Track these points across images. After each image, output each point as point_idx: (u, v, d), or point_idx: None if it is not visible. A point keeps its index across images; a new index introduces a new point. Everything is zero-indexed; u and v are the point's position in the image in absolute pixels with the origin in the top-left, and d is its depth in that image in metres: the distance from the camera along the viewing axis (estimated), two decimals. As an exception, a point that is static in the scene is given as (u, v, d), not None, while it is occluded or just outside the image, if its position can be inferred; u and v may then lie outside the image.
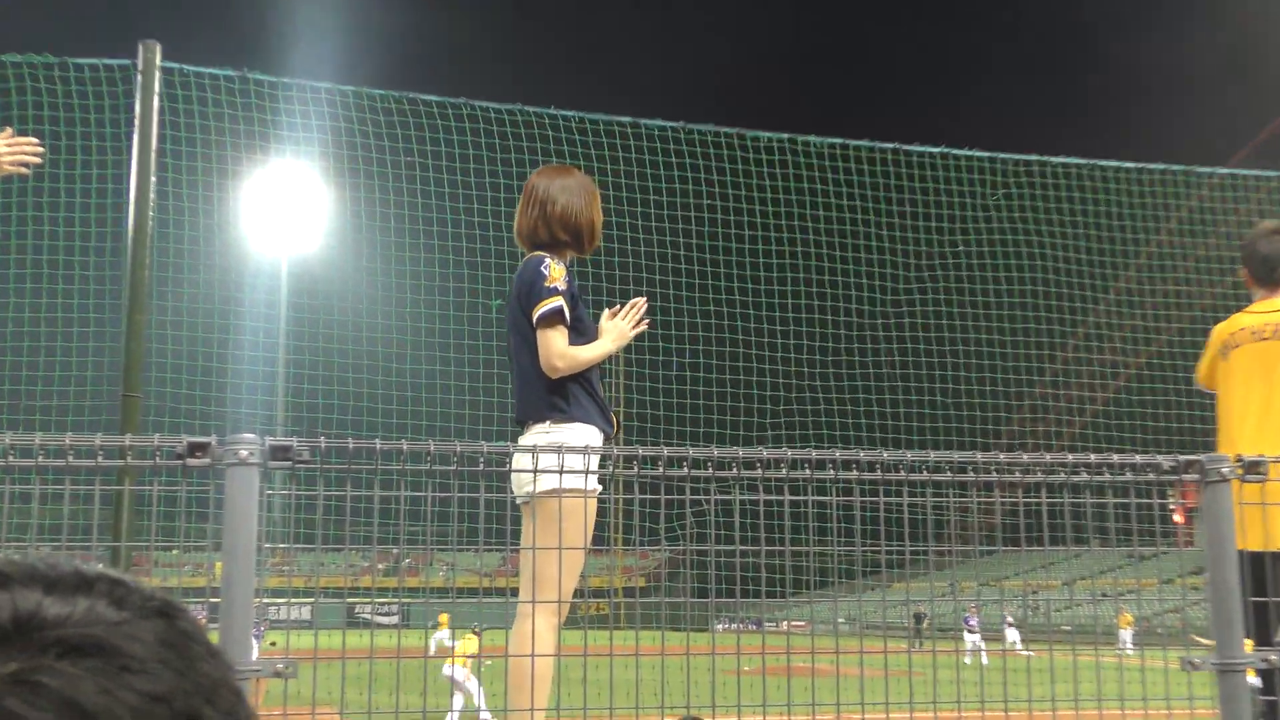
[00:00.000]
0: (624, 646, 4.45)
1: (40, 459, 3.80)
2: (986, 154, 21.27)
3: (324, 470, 3.94)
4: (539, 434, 5.25)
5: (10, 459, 3.82)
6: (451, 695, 16.80)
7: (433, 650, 23.24)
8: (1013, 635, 32.07)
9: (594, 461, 4.84)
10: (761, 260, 22.66)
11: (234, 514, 3.67)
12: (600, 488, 5.12)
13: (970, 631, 33.22)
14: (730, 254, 23.10)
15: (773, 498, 4.40)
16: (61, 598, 0.72)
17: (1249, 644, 4.43)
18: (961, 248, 23.64)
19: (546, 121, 19.40)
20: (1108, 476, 4.53)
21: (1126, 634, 35.13)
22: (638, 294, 5.87)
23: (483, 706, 15.92)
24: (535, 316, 5.32)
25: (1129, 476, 4.54)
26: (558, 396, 5.32)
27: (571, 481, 4.73)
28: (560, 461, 4.43)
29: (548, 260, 5.44)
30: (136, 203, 9.70)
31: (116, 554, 8.17)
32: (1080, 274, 23.77)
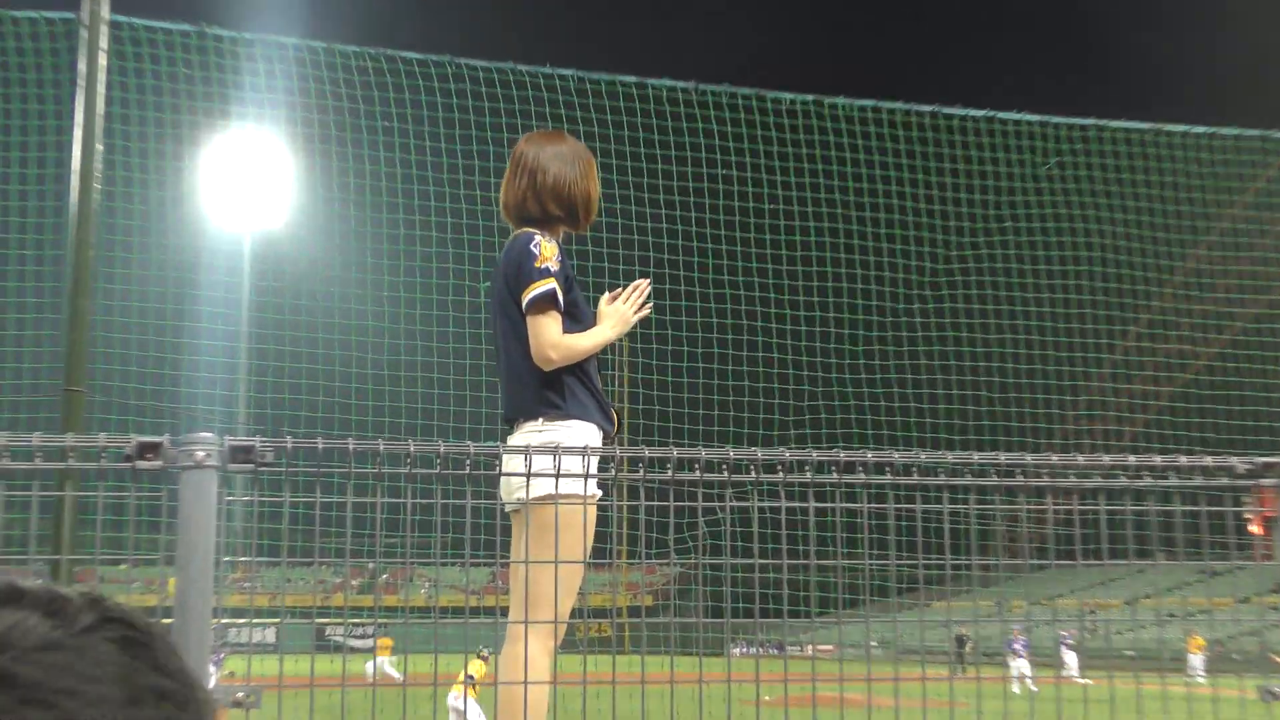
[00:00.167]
0: (628, 673, 4.45)
1: (-30, 461, 3.80)
2: (1037, 118, 21.26)
3: (290, 474, 3.94)
4: (531, 433, 5.25)
5: (-63, 461, 3.82)
6: None
7: (369, 679, 23.08)
8: (1071, 659, 32.06)
9: (593, 464, 4.84)
10: (783, 237, 22.66)
11: (189, 523, 3.67)
12: (601, 493, 5.11)
13: (1017, 656, 33.25)
14: (747, 230, 23.09)
15: (796, 505, 4.39)
16: None
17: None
18: (1009, 223, 23.65)
19: (541, 81, 19.44)
20: (1174, 481, 4.52)
21: (1197, 659, 35.13)
22: (640, 275, 5.86)
23: None
24: (525, 301, 5.31)
25: (1199, 481, 4.53)
26: (551, 391, 5.31)
27: (568, 486, 4.73)
28: (556, 464, 4.43)
29: (538, 238, 5.43)
30: (80, 174, 9.70)
31: (57, 568, 8.19)
32: (1144, 253, 23.74)
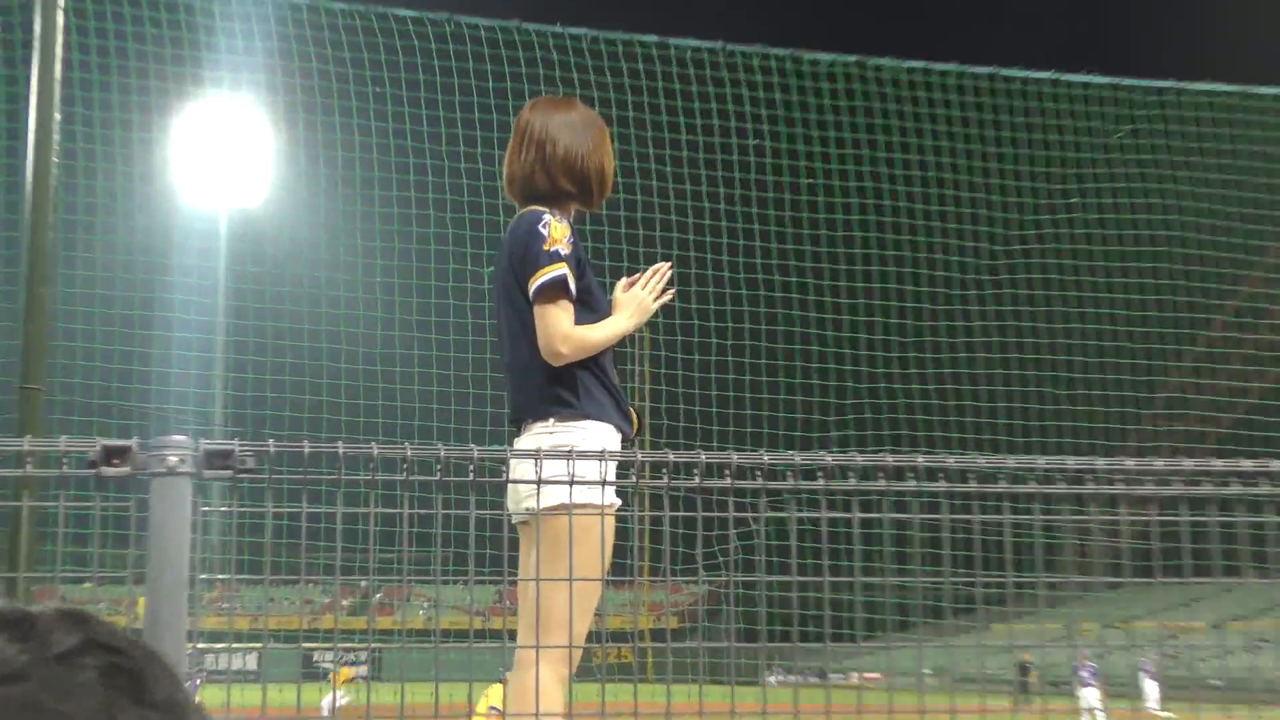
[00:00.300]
0: (651, 704, 4.45)
1: (-83, 468, 3.82)
2: (1108, 80, 21.19)
3: (274, 481, 3.95)
4: (541, 435, 5.26)
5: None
6: None
7: (325, 714, 22.99)
8: (1150, 690, 31.94)
9: (611, 469, 4.84)
10: (821, 216, 22.64)
11: (161, 537, 3.69)
12: (620, 502, 5.12)
13: (1086, 686, 33.21)
14: (781, 208, 23.10)
15: (839, 515, 4.39)
16: None
17: None
18: (1076, 199, 23.59)
19: (551, 42, 19.44)
20: (1266, 489, 4.50)
21: (1291, 689, 35.05)
22: (661, 258, 5.86)
23: None
24: (533, 288, 5.32)
25: (1293, 488, 4.52)
26: (563, 388, 5.32)
27: (584, 494, 4.74)
28: (570, 469, 4.43)
29: (547, 217, 5.43)
30: (36, 147, 9.74)
31: (13, 586, 8.23)
32: (1230, 232, 23.62)
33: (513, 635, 5.29)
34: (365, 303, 22.72)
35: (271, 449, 3.88)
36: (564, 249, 5.34)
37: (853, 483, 4.30)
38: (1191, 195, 23.25)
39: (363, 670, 33.97)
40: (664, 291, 5.69)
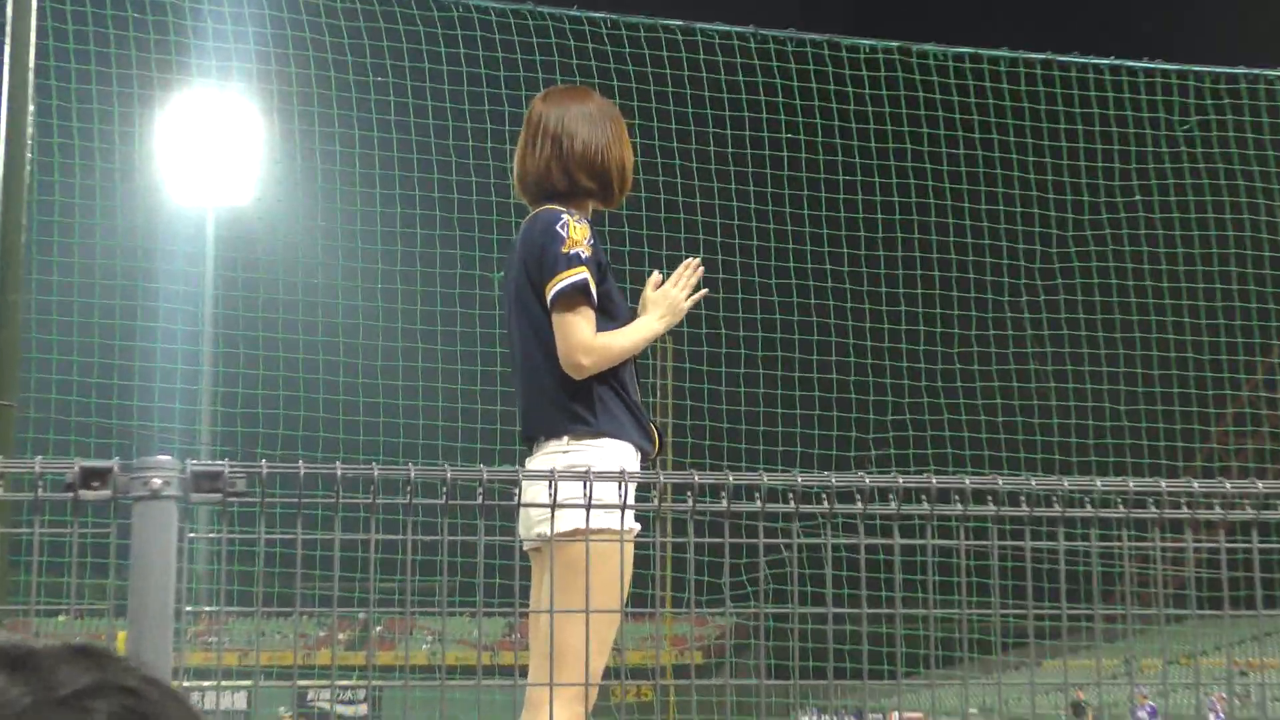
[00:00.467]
0: (674, 746, 4.45)
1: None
2: (1174, 67, 21.14)
3: (266, 506, 3.96)
4: (555, 454, 5.26)
5: None
6: None
7: None
8: (1219, 729, 31.86)
9: (631, 492, 4.85)
10: (860, 216, 22.59)
11: (143, 565, 3.70)
12: (640, 527, 5.12)
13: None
14: (816, 206, 23.07)
15: (878, 541, 4.39)
16: None
17: None
18: (1138, 197, 23.52)
19: (567, 27, 19.48)
20: (1344, 512, 4.49)
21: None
22: (689, 256, 5.87)
23: None
24: (551, 294, 5.32)
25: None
26: (579, 404, 5.32)
27: (601, 519, 4.74)
28: (586, 492, 4.44)
29: (565, 217, 5.44)
30: (8, 142, 9.78)
31: (-15, 619, 8.26)
32: (1306, 232, 23.50)
33: (524, 671, 5.30)
34: (365, 311, 22.70)
35: (264, 470, 3.90)
36: (585, 251, 5.35)
37: (894, 506, 4.30)
38: (1265, 194, 23.15)
39: (361, 710, 34.01)
40: (696, 290, 5.71)
